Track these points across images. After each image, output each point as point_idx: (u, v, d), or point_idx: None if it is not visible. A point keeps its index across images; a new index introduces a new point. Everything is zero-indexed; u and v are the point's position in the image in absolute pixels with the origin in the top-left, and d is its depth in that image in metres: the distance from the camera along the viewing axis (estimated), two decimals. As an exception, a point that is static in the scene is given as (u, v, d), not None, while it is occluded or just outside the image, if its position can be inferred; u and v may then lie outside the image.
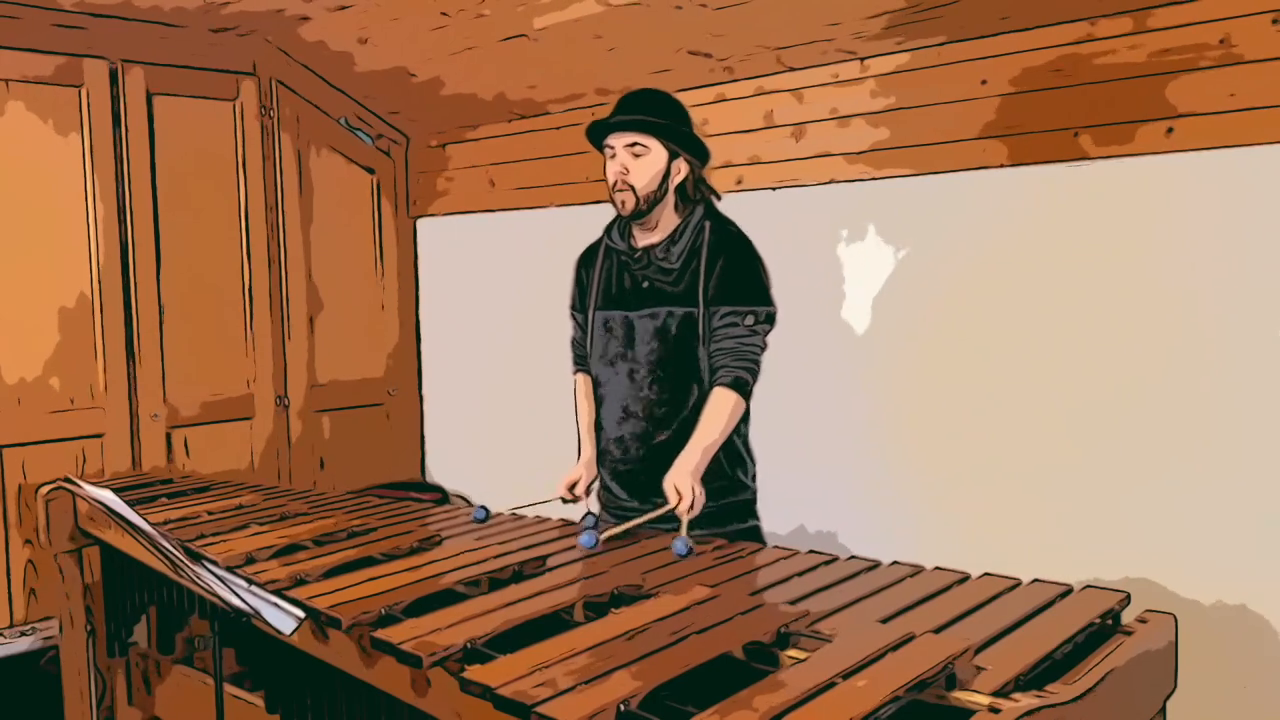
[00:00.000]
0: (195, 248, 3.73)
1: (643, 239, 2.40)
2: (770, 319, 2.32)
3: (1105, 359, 2.59)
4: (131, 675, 3.13)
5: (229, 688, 2.43)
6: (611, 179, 2.34)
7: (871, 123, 2.95)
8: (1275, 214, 2.33)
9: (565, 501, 2.46)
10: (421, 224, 4.38)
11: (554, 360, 3.83)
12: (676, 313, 2.33)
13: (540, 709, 1.36)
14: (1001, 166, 2.71)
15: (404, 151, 4.34)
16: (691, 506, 2.19)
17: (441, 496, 4.06)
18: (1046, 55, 2.61)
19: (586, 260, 2.54)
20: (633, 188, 2.31)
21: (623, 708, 1.36)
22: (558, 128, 3.76)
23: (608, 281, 2.46)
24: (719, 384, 2.27)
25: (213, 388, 3.79)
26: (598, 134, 2.37)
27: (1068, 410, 2.65)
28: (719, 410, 2.26)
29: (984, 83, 2.72)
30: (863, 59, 2.95)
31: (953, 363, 2.85)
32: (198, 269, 3.74)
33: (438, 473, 4.40)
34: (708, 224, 2.35)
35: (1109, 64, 2.51)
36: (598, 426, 2.49)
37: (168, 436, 3.67)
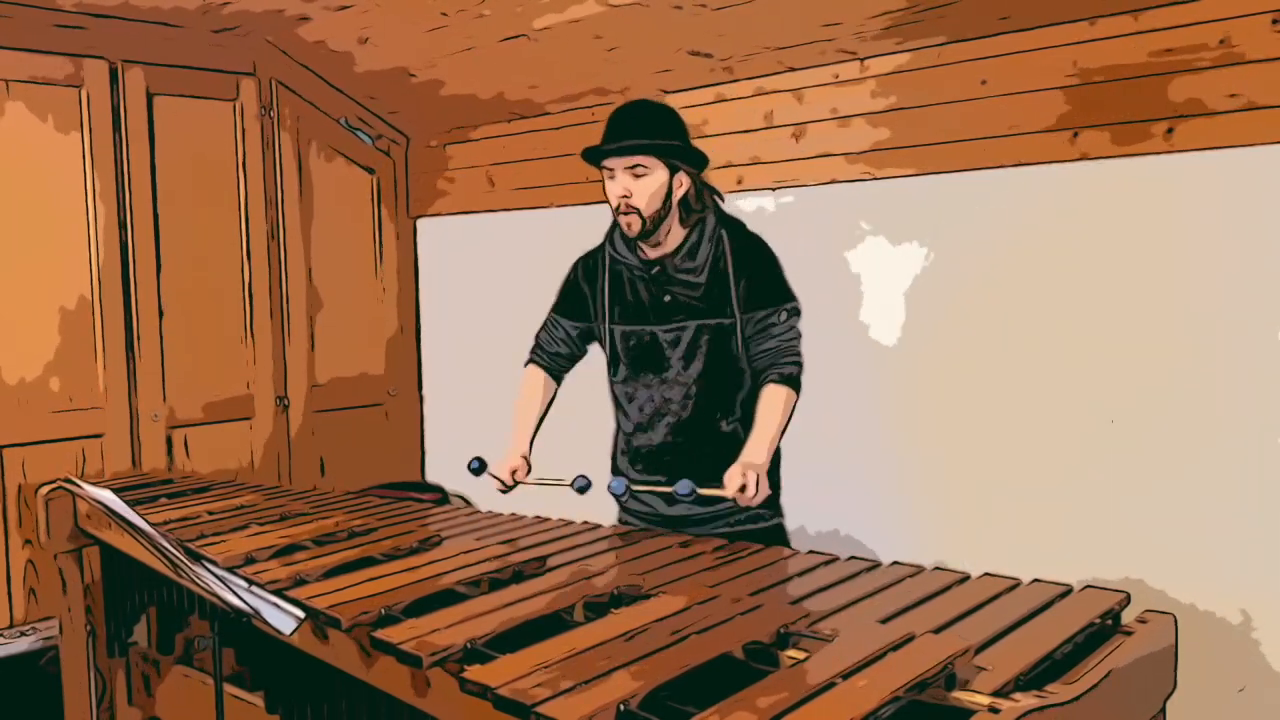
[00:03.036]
0: (195, 248, 3.73)
1: (652, 251, 2.38)
2: (798, 311, 2.35)
3: (1105, 359, 2.59)
4: (131, 675, 3.13)
5: (229, 688, 2.43)
6: (614, 201, 2.32)
7: (872, 123, 2.95)
8: (1275, 214, 2.33)
9: (503, 491, 2.46)
10: (421, 224, 4.38)
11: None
12: (709, 324, 2.33)
13: (540, 709, 1.36)
14: (1002, 167, 2.71)
15: (404, 151, 4.34)
16: (756, 497, 2.17)
17: (441, 496, 4.06)
18: (1046, 55, 2.61)
19: (589, 271, 2.51)
20: (637, 210, 2.29)
21: (623, 708, 1.36)
22: (558, 128, 3.76)
23: (619, 295, 2.44)
24: (768, 381, 2.29)
25: (213, 388, 3.79)
26: (595, 157, 2.34)
27: (1067, 410, 2.65)
28: (774, 405, 2.28)
29: (984, 83, 2.72)
30: (863, 59, 2.95)
31: (951, 363, 2.85)
32: (198, 269, 3.74)
33: (438, 473, 4.40)
34: (724, 232, 2.35)
35: (1109, 64, 2.51)
36: (625, 435, 2.48)
37: (168, 436, 3.67)
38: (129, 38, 3.53)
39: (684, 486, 2.20)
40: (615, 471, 2.51)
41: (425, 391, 4.44)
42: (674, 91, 3.37)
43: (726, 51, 3.10)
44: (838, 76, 3.01)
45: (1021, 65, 2.65)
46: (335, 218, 4.13)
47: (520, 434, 2.53)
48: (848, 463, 3.02)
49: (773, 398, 2.29)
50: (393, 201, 4.31)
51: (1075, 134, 2.58)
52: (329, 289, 4.12)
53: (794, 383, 2.31)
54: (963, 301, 2.84)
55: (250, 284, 3.88)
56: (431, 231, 4.36)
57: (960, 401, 2.84)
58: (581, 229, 3.66)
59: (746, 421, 2.35)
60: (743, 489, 2.17)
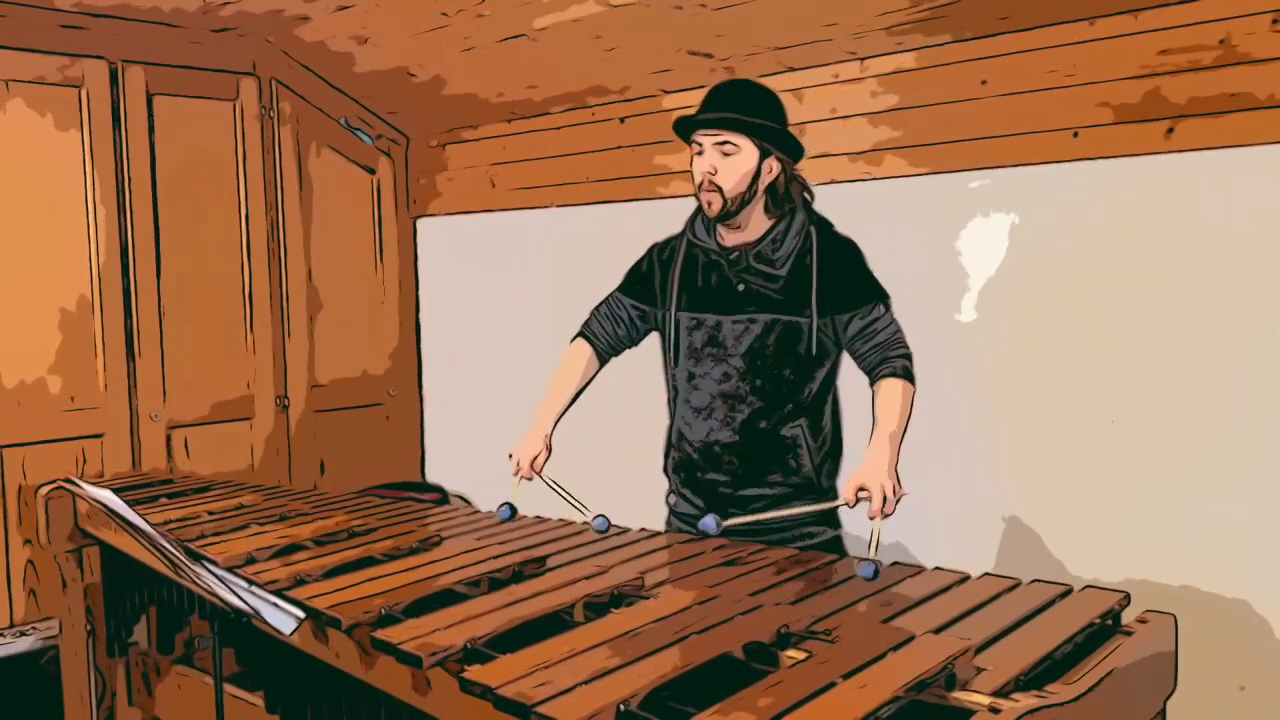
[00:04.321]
0: (195, 248, 3.73)
1: (731, 238, 2.27)
2: (890, 302, 2.26)
3: (1104, 359, 2.59)
4: (131, 675, 3.13)
5: (229, 688, 2.43)
6: (698, 178, 2.21)
7: (872, 122, 2.95)
8: (1275, 214, 2.33)
9: (526, 479, 2.35)
10: (421, 224, 4.38)
11: (555, 360, 3.83)
12: (779, 320, 2.22)
13: (540, 709, 1.36)
14: (1002, 167, 2.71)
15: (404, 151, 4.34)
16: (884, 506, 2.00)
17: (441, 496, 4.06)
18: (1047, 55, 2.61)
19: (664, 255, 2.39)
20: (720, 189, 2.18)
21: (623, 708, 1.36)
22: (558, 128, 3.76)
23: (690, 280, 2.32)
24: (883, 377, 2.18)
25: (213, 388, 3.79)
26: (684, 128, 2.23)
27: (1067, 410, 2.65)
28: (891, 400, 2.15)
29: (984, 83, 2.72)
30: (863, 59, 2.95)
31: (950, 364, 2.84)
32: (198, 269, 3.74)
33: (438, 473, 4.40)
34: (813, 229, 2.25)
35: (1109, 64, 2.51)
36: (678, 430, 2.38)
37: (168, 436, 3.67)
38: (129, 38, 3.53)
39: (709, 523, 2.06)
40: (666, 469, 2.43)
41: (425, 391, 4.44)
42: (674, 91, 3.37)
43: (726, 51, 3.10)
44: (838, 76, 3.01)
45: (1021, 65, 2.65)
46: (335, 218, 4.13)
47: (545, 413, 2.40)
48: (847, 464, 3.02)
49: (888, 393, 2.16)
50: (393, 201, 4.31)
51: (1075, 134, 2.58)
52: (329, 289, 4.12)
53: (908, 375, 2.19)
54: (962, 302, 2.84)
55: (250, 284, 3.88)
56: (431, 231, 4.36)
57: (959, 402, 2.84)
58: (581, 229, 3.66)
59: (812, 427, 2.28)
60: (860, 501, 2.02)
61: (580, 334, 2.51)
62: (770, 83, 3.13)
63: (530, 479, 2.36)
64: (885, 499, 1.99)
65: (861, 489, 2.03)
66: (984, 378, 2.79)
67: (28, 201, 3.36)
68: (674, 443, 2.42)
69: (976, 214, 2.80)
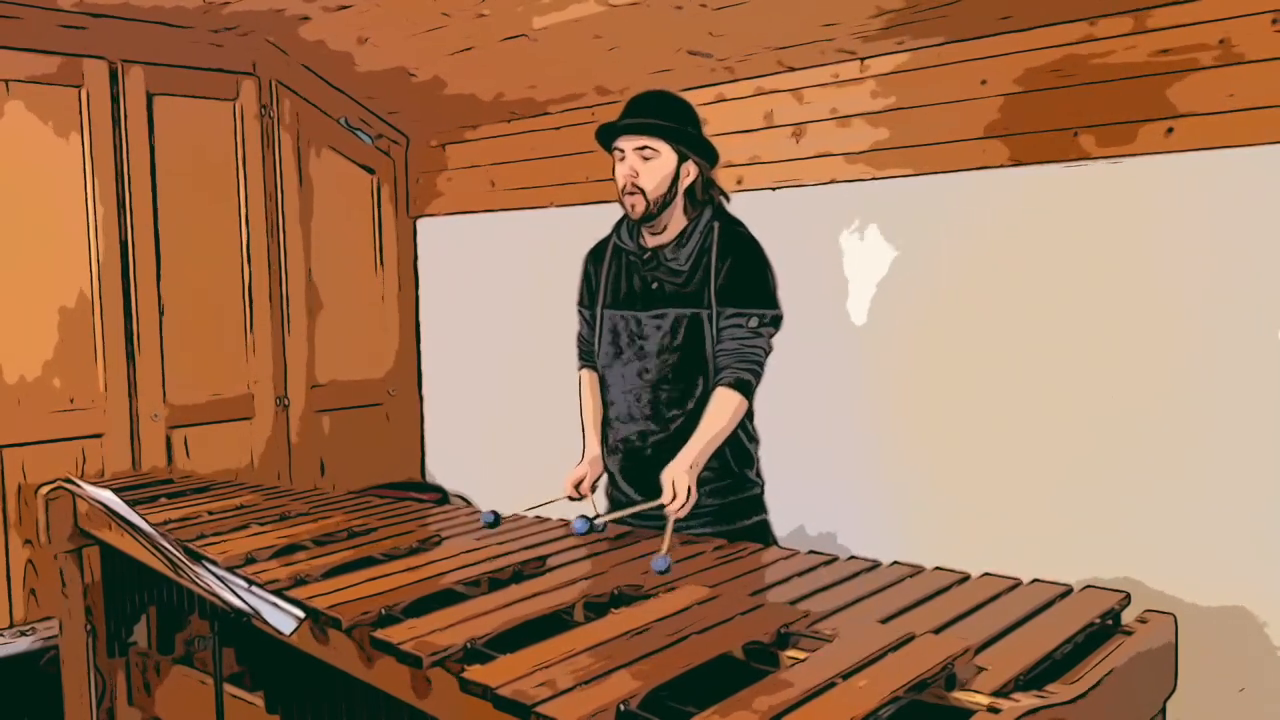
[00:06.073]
0: (195, 247, 3.73)
1: (652, 240, 2.40)
2: (775, 322, 2.34)
3: (1104, 359, 2.59)
4: (131, 675, 3.13)
5: (229, 688, 2.43)
6: (621, 182, 2.34)
7: (871, 123, 2.95)
8: (1275, 214, 2.33)
9: (572, 500, 2.46)
10: (421, 224, 4.39)
11: (554, 360, 3.83)
12: (685, 314, 2.34)
13: (540, 709, 1.36)
14: (1001, 166, 2.71)
15: (404, 151, 4.34)
16: (684, 505, 2.19)
17: (441, 496, 4.06)
18: (1046, 55, 2.61)
19: (595, 258, 2.55)
20: (642, 191, 2.32)
21: (623, 708, 1.36)
22: (558, 128, 3.76)
23: (616, 281, 2.47)
24: (720, 384, 2.29)
25: (213, 388, 3.79)
26: (606, 136, 2.38)
27: (1067, 410, 2.65)
28: (720, 410, 2.28)
29: (984, 83, 2.72)
30: (863, 59, 2.95)
31: (952, 363, 2.85)
32: (198, 269, 3.74)
33: (438, 473, 4.40)
34: (716, 225, 2.36)
35: (1109, 64, 2.51)
36: (606, 423, 2.50)
37: (168, 436, 3.67)
38: (129, 38, 3.53)
39: (580, 524, 2.21)
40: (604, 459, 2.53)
41: (425, 391, 4.44)
42: (674, 91, 3.36)
43: (726, 51, 3.10)
44: (838, 76, 3.01)
45: (1021, 65, 2.65)
46: (335, 217, 4.13)
47: (589, 440, 2.54)
48: (849, 464, 3.03)
49: (719, 402, 2.27)
50: (393, 201, 4.31)
51: (1075, 134, 2.58)
52: (329, 289, 4.12)
53: (744, 388, 2.28)
54: (962, 302, 2.84)
55: (250, 284, 3.88)
56: (431, 231, 4.36)
57: (960, 402, 2.84)
58: (581, 229, 3.65)
59: None
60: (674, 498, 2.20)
61: (580, 364, 2.62)
62: (770, 83, 3.16)
63: (578, 499, 2.47)
64: (676, 497, 2.18)
65: (672, 486, 2.21)
66: (984, 377, 2.79)
67: (28, 201, 3.36)
68: (606, 435, 2.52)
69: (977, 214, 2.80)
